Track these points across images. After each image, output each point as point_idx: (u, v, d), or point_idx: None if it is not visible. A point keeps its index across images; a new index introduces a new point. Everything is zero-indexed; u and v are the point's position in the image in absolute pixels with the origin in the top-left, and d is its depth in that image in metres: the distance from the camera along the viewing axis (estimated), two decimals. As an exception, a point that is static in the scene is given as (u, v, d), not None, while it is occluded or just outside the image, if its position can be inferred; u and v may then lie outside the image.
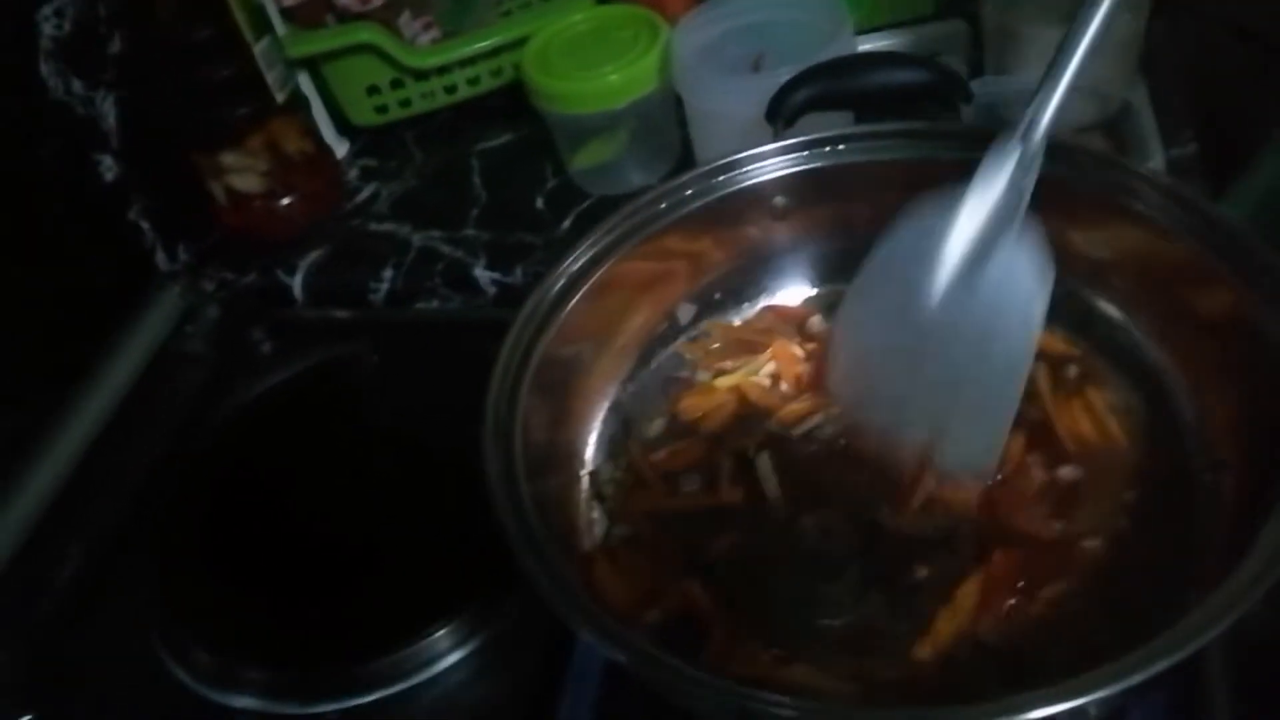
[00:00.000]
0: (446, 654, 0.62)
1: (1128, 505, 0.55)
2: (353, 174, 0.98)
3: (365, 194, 0.96)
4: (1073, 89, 0.52)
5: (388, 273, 0.88)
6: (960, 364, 0.54)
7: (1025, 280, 0.52)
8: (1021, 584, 0.53)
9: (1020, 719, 0.39)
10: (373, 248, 0.90)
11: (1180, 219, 0.54)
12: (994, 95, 0.77)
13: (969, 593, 0.52)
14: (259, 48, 0.84)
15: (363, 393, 0.81)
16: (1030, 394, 0.58)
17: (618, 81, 0.82)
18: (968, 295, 0.53)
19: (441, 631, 0.62)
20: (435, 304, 0.86)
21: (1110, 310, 0.61)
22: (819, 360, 0.65)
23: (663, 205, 0.63)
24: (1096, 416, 0.57)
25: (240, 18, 0.83)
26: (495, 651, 0.62)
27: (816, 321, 0.67)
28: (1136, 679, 0.39)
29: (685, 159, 0.89)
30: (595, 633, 0.46)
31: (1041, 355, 0.60)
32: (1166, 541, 0.53)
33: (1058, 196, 0.55)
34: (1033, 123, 0.53)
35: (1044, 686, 0.39)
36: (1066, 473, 0.56)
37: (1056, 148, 0.55)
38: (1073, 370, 0.60)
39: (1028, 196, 0.53)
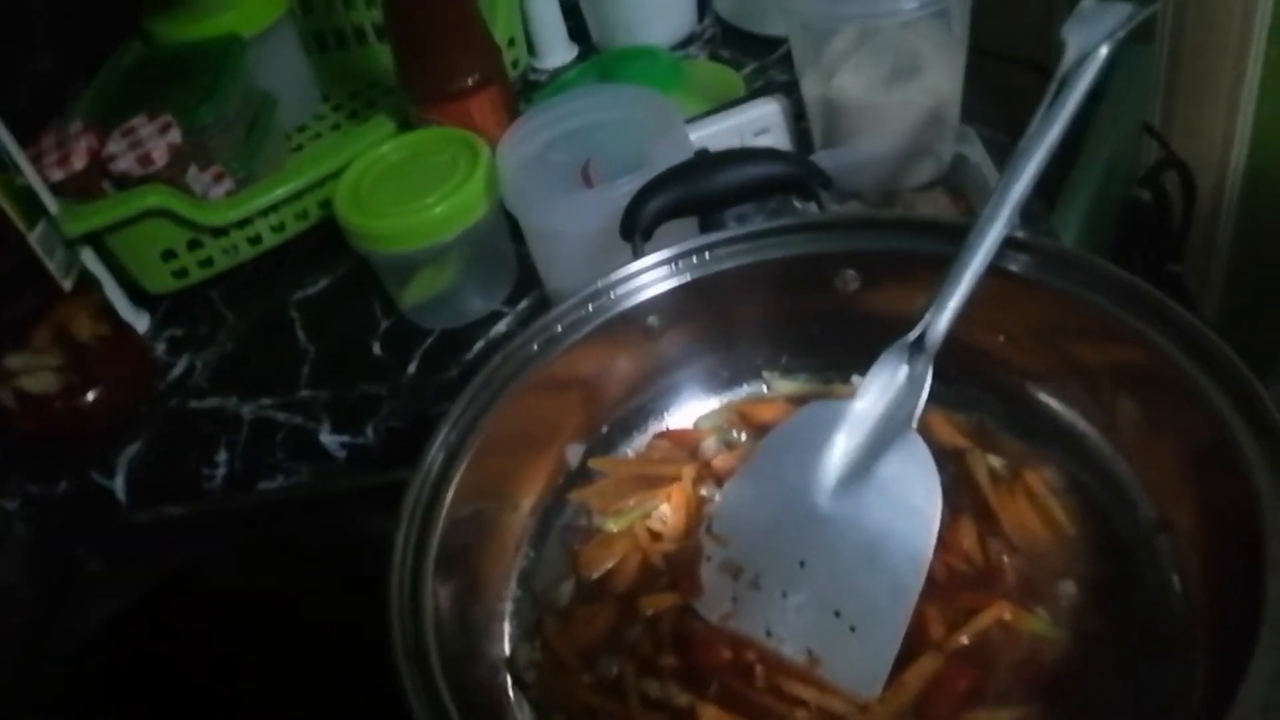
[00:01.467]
0: None
1: (1082, 591, 0.52)
2: (160, 349, 0.88)
3: (179, 369, 0.86)
4: (963, 302, 0.53)
5: (221, 455, 0.79)
6: (849, 564, 0.52)
7: (917, 489, 0.51)
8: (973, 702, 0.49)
9: None
10: (199, 429, 0.81)
11: (1078, 281, 0.53)
12: (832, 168, 0.76)
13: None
14: (34, 234, 0.74)
15: (222, 599, 0.71)
16: (971, 487, 0.56)
17: (444, 212, 0.76)
18: (858, 497, 0.53)
19: None
20: (280, 480, 0.78)
21: (1033, 388, 0.59)
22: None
23: (534, 347, 0.58)
24: (1039, 501, 0.55)
25: (5, 203, 0.73)
26: None
27: (711, 445, 0.63)
28: None
29: (524, 276, 0.84)
30: None
31: (973, 445, 0.58)
32: (1130, 636, 0.50)
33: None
34: (927, 330, 0.53)
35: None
36: (1014, 564, 0.53)
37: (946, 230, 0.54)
38: (1001, 459, 0.58)
39: (922, 402, 0.53)
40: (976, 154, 0.77)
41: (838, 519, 0.53)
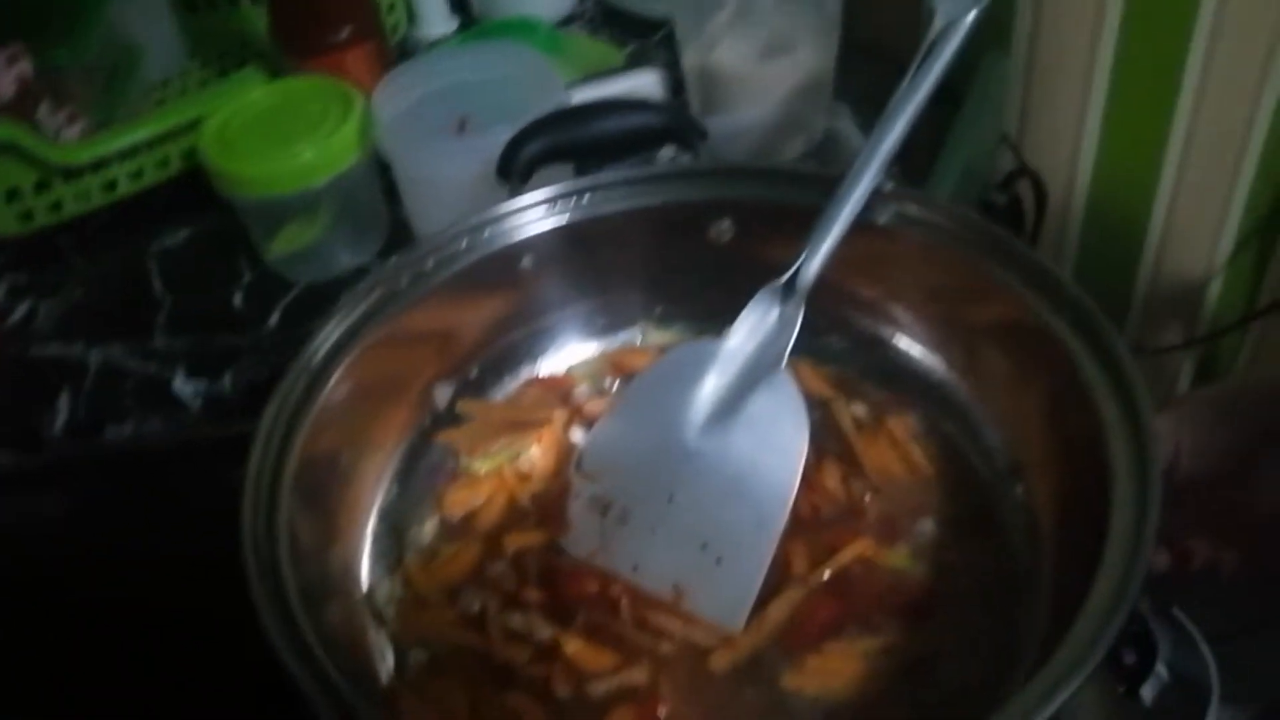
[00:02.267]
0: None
1: (940, 528, 0.54)
2: (0, 294, 0.83)
3: (19, 314, 0.82)
4: (834, 248, 0.54)
5: (63, 401, 0.75)
6: (716, 497, 0.53)
7: (784, 426, 0.53)
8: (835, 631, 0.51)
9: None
10: (39, 375, 0.77)
11: (944, 231, 0.54)
12: (721, 133, 0.77)
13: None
14: None
15: (56, 555, 0.67)
16: (836, 432, 0.58)
17: (314, 158, 0.74)
18: (726, 433, 0.54)
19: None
20: (130, 429, 0.74)
21: (896, 338, 0.60)
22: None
23: (402, 281, 0.57)
24: (900, 447, 0.56)
25: None
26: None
27: (583, 391, 0.62)
28: None
29: (396, 233, 0.82)
30: None
31: (838, 394, 0.60)
32: (985, 568, 0.52)
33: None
34: (799, 273, 0.54)
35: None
36: (876, 503, 0.55)
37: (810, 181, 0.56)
38: (865, 406, 0.59)
39: (791, 342, 0.54)
40: (848, 129, 0.79)
41: (707, 454, 0.54)
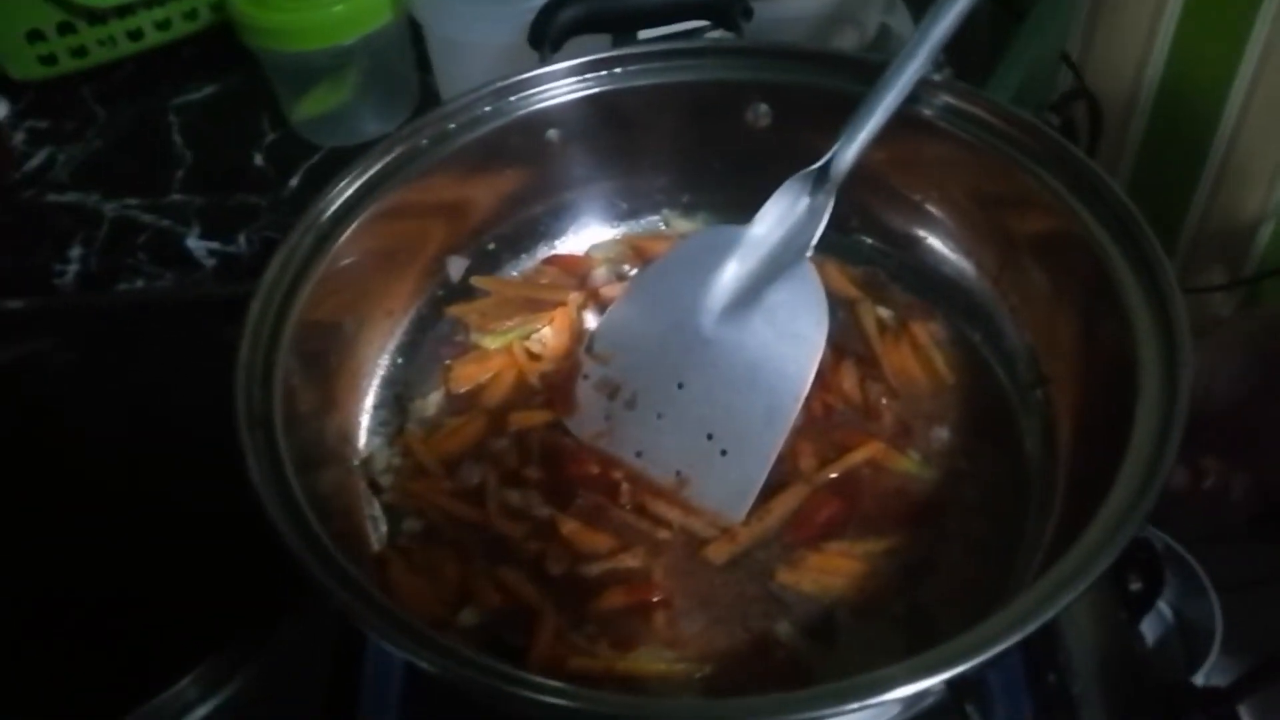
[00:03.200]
0: (197, 704, 0.51)
1: (955, 436, 0.52)
2: (18, 138, 0.82)
3: (37, 160, 0.80)
4: (873, 138, 0.51)
5: (76, 251, 0.74)
6: (727, 386, 0.51)
7: (803, 319, 0.50)
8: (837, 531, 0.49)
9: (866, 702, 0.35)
10: (54, 223, 0.75)
11: (992, 129, 0.52)
12: (767, 20, 0.73)
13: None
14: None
15: (59, 399, 0.66)
16: (859, 334, 0.56)
17: (345, 12, 0.71)
18: (742, 322, 0.51)
19: (187, 679, 0.50)
20: (140, 283, 0.73)
21: (930, 240, 0.58)
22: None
23: (423, 141, 0.55)
24: (922, 352, 0.54)
25: None
26: (263, 691, 0.52)
27: (601, 274, 0.60)
28: (986, 655, 0.36)
29: (425, 102, 0.80)
30: (406, 639, 0.37)
31: (864, 295, 0.58)
32: (997, 478, 0.50)
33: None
34: (833, 161, 0.51)
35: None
36: (892, 407, 0.53)
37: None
38: (890, 310, 0.57)
39: (818, 232, 0.51)
40: (903, 26, 0.75)
41: (721, 341, 0.52)
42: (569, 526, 0.49)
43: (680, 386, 0.52)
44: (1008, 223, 0.53)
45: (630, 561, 0.48)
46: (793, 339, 0.50)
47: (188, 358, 0.65)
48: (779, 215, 0.52)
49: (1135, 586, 0.59)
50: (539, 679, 0.37)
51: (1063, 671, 0.48)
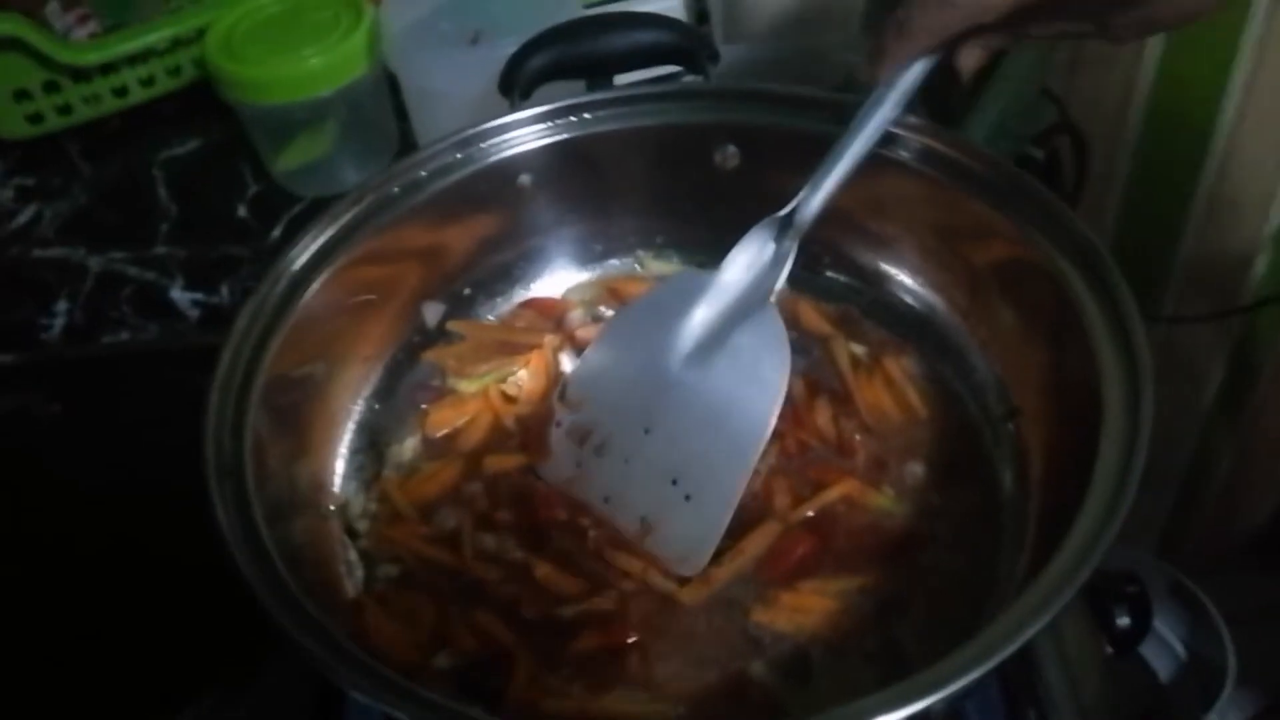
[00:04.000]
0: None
1: (928, 471, 0.52)
2: (6, 195, 0.83)
3: (24, 217, 0.81)
4: (840, 185, 0.51)
5: (61, 305, 0.74)
6: (692, 430, 0.51)
7: (765, 362, 0.50)
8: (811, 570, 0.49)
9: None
10: (39, 278, 0.76)
11: (955, 169, 0.52)
12: (736, 62, 0.74)
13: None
14: None
15: (45, 451, 0.67)
16: (833, 370, 0.56)
17: (322, 65, 0.72)
18: (707, 366, 0.52)
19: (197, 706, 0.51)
20: (125, 335, 0.73)
21: (901, 277, 0.58)
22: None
23: (395, 189, 0.55)
24: (895, 387, 0.55)
25: None
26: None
27: (577, 316, 0.61)
28: (956, 685, 0.36)
29: (405, 151, 0.80)
30: (375, 688, 0.37)
31: (837, 332, 0.58)
32: (969, 513, 0.51)
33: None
34: (799, 209, 0.51)
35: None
36: (866, 444, 0.53)
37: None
38: (863, 346, 0.57)
39: (782, 279, 0.52)
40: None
41: (687, 385, 0.52)
42: (542, 570, 0.49)
43: (647, 431, 0.52)
44: (973, 257, 0.54)
45: (604, 604, 0.48)
46: (756, 383, 0.50)
47: (170, 407, 0.65)
48: (746, 261, 0.53)
49: (1123, 622, 0.58)
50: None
51: (1042, 705, 0.48)
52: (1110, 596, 0.54)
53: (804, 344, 0.57)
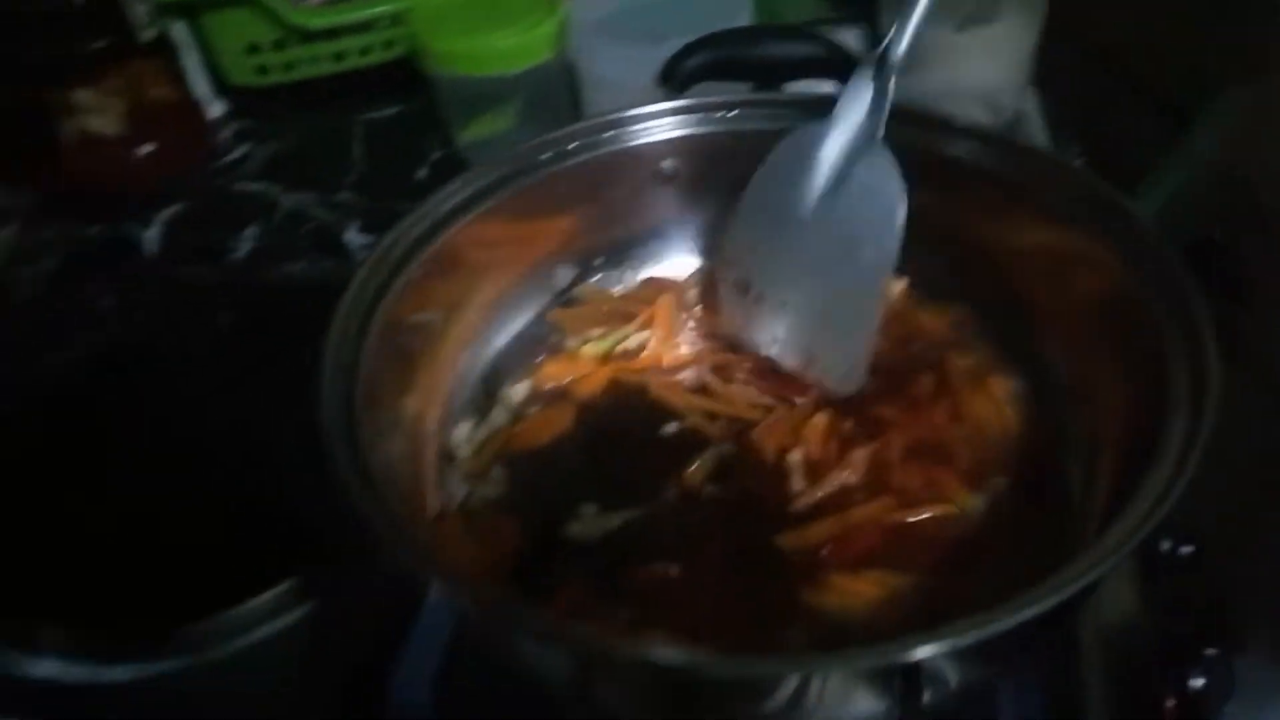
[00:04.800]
0: (269, 620, 0.56)
1: (1005, 490, 0.53)
2: (226, 134, 0.93)
3: (236, 154, 0.90)
4: (921, 27, 0.54)
5: (250, 231, 0.83)
6: (830, 266, 0.56)
7: (885, 193, 0.54)
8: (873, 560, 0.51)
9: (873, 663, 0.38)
10: (237, 207, 0.85)
11: (1079, 206, 0.54)
12: (901, 91, 0.76)
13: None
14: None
15: (210, 351, 0.74)
16: (946, 378, 0.58)
17: (513, 46, 0.78)
18: (837, 203, 0.56)
19: (266, 595, 0.56)
20: (301, 267, 0.81)
21: (1006, 297, 0.60)
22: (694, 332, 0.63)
23: (544, 155, 0.60)
24: (997, 405, 0.56)
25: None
26: (325, 620, 0.57)
27: (694, 296, 0.64)
28: (998, 627, 0.37)
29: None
30: (448, 582, 0.41)
31: (954, 338, 0.61)
32: (1036, 535, 0.51)
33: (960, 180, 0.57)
34: (889, 47, 0.55)
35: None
36: (966, 451, 0.55)
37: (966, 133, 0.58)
38: (971, 360, 0.59)
39: (884, 117, 0.55)
40: (1034, 115, 0.77)
41: (821, 226, 0.56)
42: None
43: (795, 275, 0.57)
44: (1081, 299, 0.55)
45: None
46: (879, 215, 0.54)
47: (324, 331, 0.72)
48: (852, 105, 0.56)
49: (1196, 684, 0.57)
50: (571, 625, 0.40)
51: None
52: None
53: (924, 351, 0.60)
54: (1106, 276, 0.51)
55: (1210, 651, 0.54)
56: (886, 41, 0.54)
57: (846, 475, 0.54)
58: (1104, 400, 0.52)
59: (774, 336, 0.59)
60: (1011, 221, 0.57)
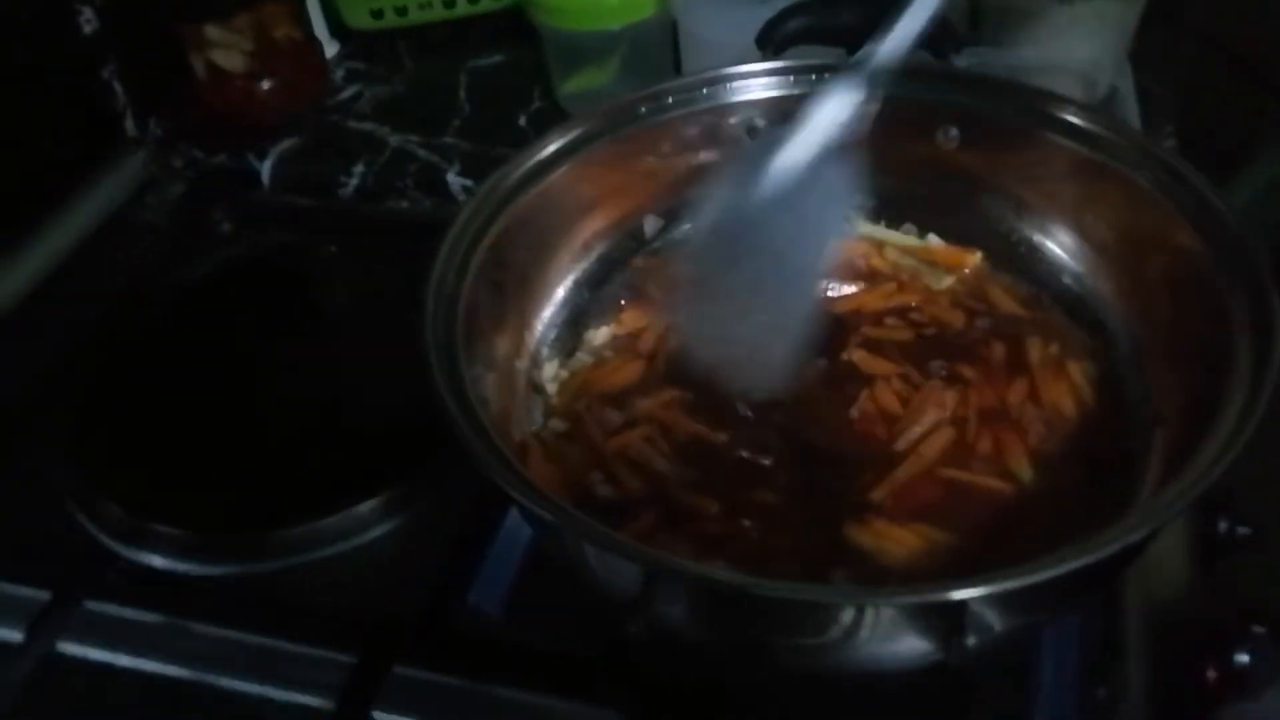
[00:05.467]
0: (365, 528, 0.61)
1: (1076, 465, 0.55)
2: (339, 74, 0.97)
3: (348, 93, 0.95)
4: (906, 41, 0.52)
5: (359, 168, 0.87)
6: (770, 267, 0.54)
7: (834, 204, 0.54)
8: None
9: (921, 599, 0.40)
10: (348, 144, 0.89)
11: (1162, 186, 0.54)
12: (984, 65, 0.77)
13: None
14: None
15: (317, 278, 0.79)
16: (1024, 360, 0.60)
17: (617, 2, 0.81)
18: (788, 208, 0.53)
19: (365, 504, 0.61)
20: (405, 205, 0.85)
21: (1078, 271, 0.61)
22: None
23: (641, 109, 0.62)
24: (1074, 387, 0.58)
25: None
26: (413, 530, 0.61)
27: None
28: (1046, 575, 0.39)
29: (673, 95, 0.88)
30: (529, 495, 0.45)
31: (1027, 315, 0.62)
32: (1093, 513, 0.52)
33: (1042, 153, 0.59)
34: (868, 57, 0.53)
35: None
36: (1036, 427, 0.57)
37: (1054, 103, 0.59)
38: (1055, 347, 0.60)
39: (854, 122, 0.53)
40: (1129, 92, 0.77)
41: (774, 229, 0.54)
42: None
43: (740, 271, 0.54)
44: (1151, 267, 0.56)
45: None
46: (822, 226, 0.54)
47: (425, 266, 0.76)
48: (820, 114, 0.53)
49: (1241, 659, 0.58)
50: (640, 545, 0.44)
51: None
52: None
53: (996, 324, 0.61)
54: (1184, 259, 0.52)
55: (1258, 629, 0.55)
56: (860, 54, 0.53)
57: (927, 422, 0.56)
58: (1166, 378, 0.53)
59: (706, 330, 0.56)
60: (1091, 198, 0.59)
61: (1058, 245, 0.61)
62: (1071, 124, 0.58)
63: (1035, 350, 0.60)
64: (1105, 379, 0.58)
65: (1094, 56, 0.77)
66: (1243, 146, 0.90)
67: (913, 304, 0.63)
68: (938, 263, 0.65)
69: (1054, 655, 0.50)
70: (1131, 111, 0.75)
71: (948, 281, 0.64)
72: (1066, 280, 0.61)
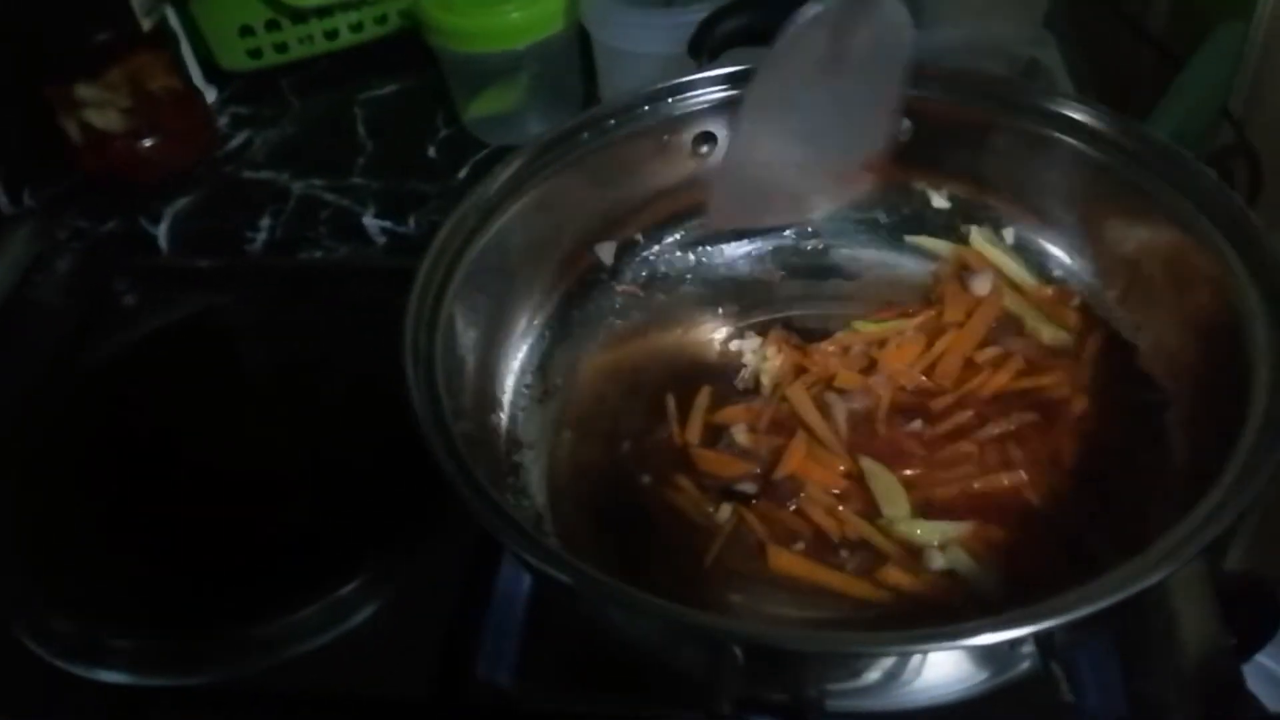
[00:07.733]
0: (350, 613, 0.56)
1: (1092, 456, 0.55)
2: (223, 121, 0.91)
3: (238, 141, 0.89)
4: None
5: (265, 221, 0.81)
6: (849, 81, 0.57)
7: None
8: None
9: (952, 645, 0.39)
10: (247, 195, 0.84)
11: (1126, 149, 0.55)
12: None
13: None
14: (122, -33, 0.76)
15: (241, 344, 0.74)
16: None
17: (522, 19, 0.77)
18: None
19: (345, 588, 0.56)
20: (319, 254, 0.80)
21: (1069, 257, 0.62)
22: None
23: (585, 135, 0.60)
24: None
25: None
26: (402, 607, 0.57)
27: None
28: (1084, 612, 0.38)
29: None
30: (543, 556, 0.42)
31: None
32: (1128, 477, 0.53)
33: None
34: None
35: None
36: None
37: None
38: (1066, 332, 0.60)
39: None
40: (1052, 62, 0.77)
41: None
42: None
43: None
44: (1156, 261, 0.56)
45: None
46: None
47: (354, 318, 0.71)
48: None
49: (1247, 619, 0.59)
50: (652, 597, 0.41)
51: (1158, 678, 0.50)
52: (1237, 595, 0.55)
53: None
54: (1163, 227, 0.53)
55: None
56: None
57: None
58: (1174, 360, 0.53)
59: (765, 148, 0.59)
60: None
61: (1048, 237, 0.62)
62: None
63: (1043, 331, 0.60)
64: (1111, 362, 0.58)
65: (1006, 30, 0.77)
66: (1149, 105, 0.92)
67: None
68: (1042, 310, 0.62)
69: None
70: (1062, 82, 0.76)
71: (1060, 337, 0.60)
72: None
